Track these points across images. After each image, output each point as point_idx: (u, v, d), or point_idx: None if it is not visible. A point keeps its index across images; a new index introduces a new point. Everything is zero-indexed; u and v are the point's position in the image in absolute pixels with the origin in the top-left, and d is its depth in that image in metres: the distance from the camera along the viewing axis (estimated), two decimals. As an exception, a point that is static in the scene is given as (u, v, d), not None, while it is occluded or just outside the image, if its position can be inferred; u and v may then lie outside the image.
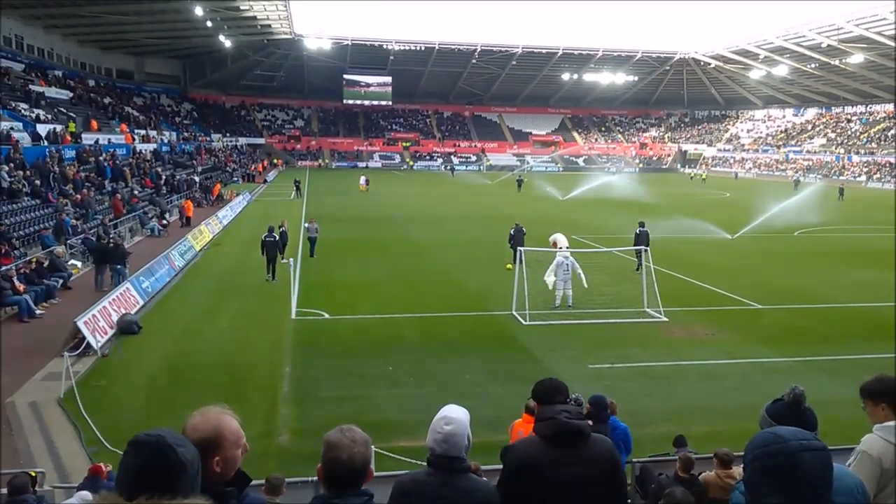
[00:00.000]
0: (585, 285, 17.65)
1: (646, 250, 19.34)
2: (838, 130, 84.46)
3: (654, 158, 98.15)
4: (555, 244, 20.19)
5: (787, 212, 35.30)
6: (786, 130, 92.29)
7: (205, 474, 2.10)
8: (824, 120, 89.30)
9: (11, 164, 27.28)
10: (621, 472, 3.46)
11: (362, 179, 54.75)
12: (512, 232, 23.08)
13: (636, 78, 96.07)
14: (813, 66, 78.96)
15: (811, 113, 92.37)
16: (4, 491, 6.51)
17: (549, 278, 17.79)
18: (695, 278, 21.47)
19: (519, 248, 19.05)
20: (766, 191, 52.36)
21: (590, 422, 3.60)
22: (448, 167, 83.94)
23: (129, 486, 1.86)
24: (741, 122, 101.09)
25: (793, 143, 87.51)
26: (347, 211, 38.83)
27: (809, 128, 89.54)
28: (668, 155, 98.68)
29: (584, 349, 14.49)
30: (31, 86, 43.03)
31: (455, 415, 3.17)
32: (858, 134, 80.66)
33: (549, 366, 13.14)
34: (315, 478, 6.70)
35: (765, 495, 2.18)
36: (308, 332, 15.72)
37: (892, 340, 14.69)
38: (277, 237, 21.58)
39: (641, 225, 22.67)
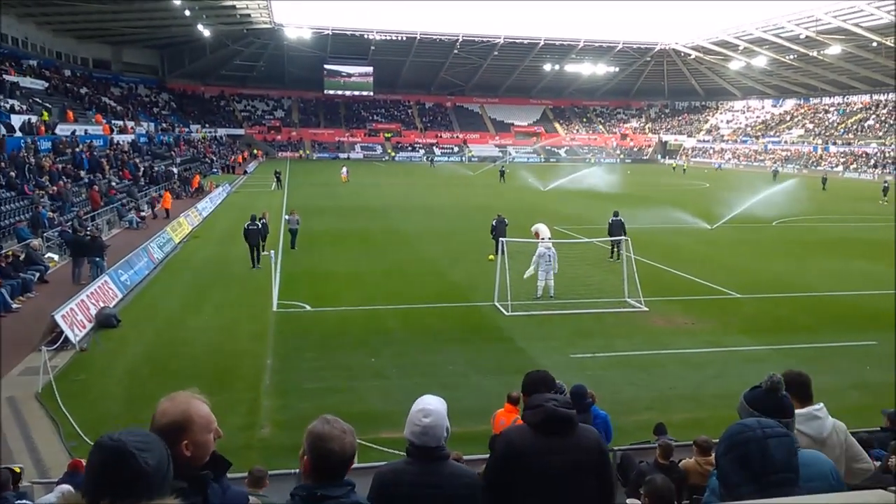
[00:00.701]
0: (556, 271, 17.85)
1: (626, 240, 19.45)
2: (816, 121, 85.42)
3: (635, 149, 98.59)
4: (537, 234, 20.21)
5: (768, 202, 35.57)
6: (765, 121, 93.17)
7: (176, 460, 2.09)
8: (802, 111, 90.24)
9: (-15, 156, 26.85)
10: (609, 465, 3.46)
11: (343, 170, 54.47)
12: (494, 223, 23.09)
13: (617, 69, 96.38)
14: (791, 57, 79.72)
15: (790, 104, 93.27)
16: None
17: (531, 270, 17.85)
18: (675, 268, 21.63)
19: (501, 238, 19.06)
20: (746, 181, 52.82)
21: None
22: (428, 158, 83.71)
23: (91, 489, 1.87)
24: (721, 113, 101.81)
25: (771, 133, 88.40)
26: (329, 202, 38.59)
27: (788, 118, 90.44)
28: (649, 146, 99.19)
29: (567, 339, 14.56)
30: (4, 76, 42.14)
31: (433, 406, 3.15)
32: (836, 124, 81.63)
33: (532, 356, 13.22)
34: (298, 470, 6.70)
35: (739, 485, 2.28)
36: (290, 325, 15.63)
37: (867, 329, 15.02)
38: (260, 226, 21.47)
39: (615, 214, 22.84)
